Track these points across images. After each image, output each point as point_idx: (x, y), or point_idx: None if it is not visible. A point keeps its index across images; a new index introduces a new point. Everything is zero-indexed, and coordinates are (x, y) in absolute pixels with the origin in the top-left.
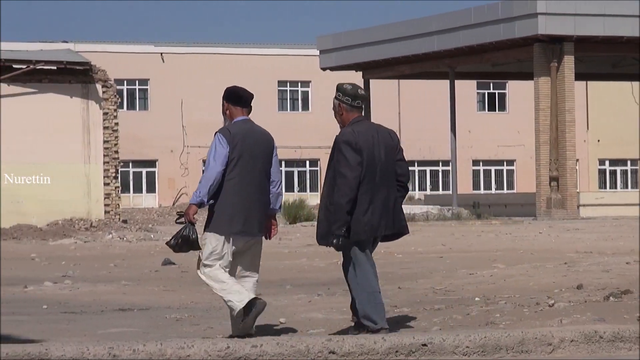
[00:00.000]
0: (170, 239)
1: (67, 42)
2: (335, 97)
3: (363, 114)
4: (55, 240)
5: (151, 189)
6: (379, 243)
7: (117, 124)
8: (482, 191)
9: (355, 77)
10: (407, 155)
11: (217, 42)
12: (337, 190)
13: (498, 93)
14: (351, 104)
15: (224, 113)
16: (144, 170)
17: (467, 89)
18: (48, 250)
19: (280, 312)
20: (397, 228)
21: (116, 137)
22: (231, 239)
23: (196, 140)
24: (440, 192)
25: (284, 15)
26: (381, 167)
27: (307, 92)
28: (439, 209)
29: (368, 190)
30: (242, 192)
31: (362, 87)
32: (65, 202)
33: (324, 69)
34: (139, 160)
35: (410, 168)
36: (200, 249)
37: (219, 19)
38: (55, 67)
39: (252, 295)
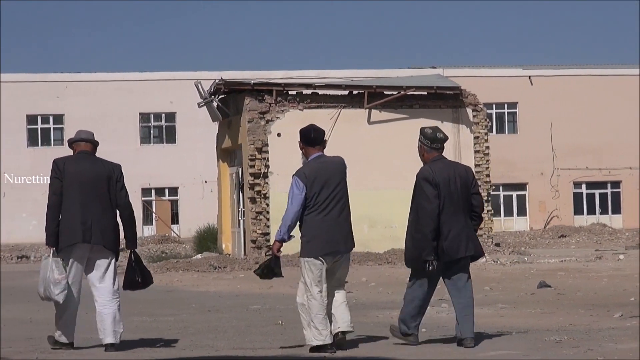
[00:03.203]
0: (257, 269)
1: (435, 67)
2: (419, 140)
3: (442, 154)
4: None
5: (522, 212)
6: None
7: (487, 147)
8: None
9: None
10: None
11: (584, 64)
12: (421, 221)
13: None
14: (430, 146)
15: (301, 152)
16: (514, 194)
17: None
18: None
19: None
20: (476, 251)
21: (487, 160)
22: (321, 260)
23: (566, 162)
24: None
25: None
26: (457, 199)
27: None
28: None
29: (447, 219)
30: (326, 219)
31: (442, 130)
32: None
33: None
34: (509, 184)
35: None
36: (282, 276)
37: (587, 39)
38: (425, 93)
39: (328, 340)
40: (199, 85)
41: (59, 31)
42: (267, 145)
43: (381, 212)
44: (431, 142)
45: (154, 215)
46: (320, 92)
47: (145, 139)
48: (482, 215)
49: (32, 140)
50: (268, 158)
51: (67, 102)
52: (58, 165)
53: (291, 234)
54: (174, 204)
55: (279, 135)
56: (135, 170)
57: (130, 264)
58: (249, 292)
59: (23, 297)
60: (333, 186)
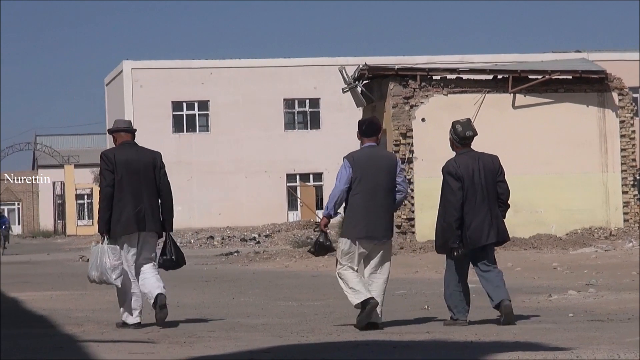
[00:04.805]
0: (310, 247)
1: (580, 51)
2: (450, 132)
3: (471, 146)
4: (575, 249)
5: None
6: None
7: (634, 131)
8: None
9: None
10: None
11: None
12: (446, 212)
13: None
14: (460, 141)
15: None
16: None
17: None
18: (569, 259)
19: None
20: (500, 237)
21: (633, 145)
22: (357, 242)
23: None
24: None
25: None
26: (482, 189)
27: None
28: None
29: (470, 210)
30: (366, 204)
31: (472, 127)
32: (583, 211)
33: None
34: None
35: None
36: (334, 251)
37: None
38: (570, 77)
39: (367, 296)
40: (343, 70)
41: (203, 19)
42: (411, 130)
43: (526, 197)
44: (460, 139)
45: (298, 200)
46: (465, 76)
47: (289, 124)
48: (509, 202)
49: (177, 126)
50: (412, 143)
51: (211, 89)
52: (109, 157)
53: (338, 210)
54: (319, 190)
55: (423, 120)
56: (279, 156)
57: (166, 245)
58: (395, 276)
59: (170, 282)
60: (377, 175)
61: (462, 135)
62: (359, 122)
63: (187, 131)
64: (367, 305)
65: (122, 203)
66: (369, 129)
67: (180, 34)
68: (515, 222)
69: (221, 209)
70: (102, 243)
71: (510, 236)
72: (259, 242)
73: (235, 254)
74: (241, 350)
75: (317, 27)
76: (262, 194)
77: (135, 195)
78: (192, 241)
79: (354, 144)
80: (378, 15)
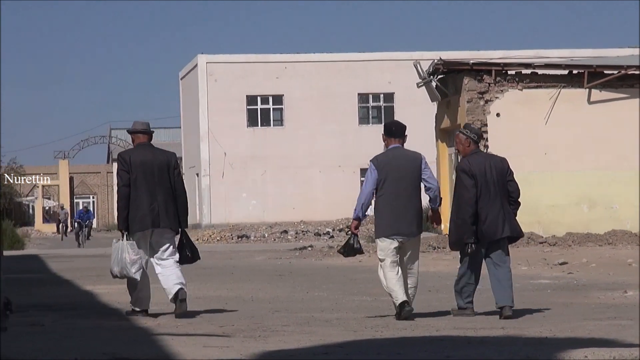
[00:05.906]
0: (340, 248)
1: None
2: (463, 132)
3: (479, 147)
4: None
5: None
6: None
7: None
8: None
9: None
10: None
11: None
12: (461, 209)
13: None
14: (475, 140)
15: (384, 142)
16: None
17: None
18: None
19: None
20: (513, 232)
21: None
22: (390, 239)
23: None
24: None
25: None
26: (494, 186)
27: None
28: None
29: (484, 206)
30: (392, 203)
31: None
32: None
33: None
34: None
35: None
36: (363, 253)
37: None
38: None
39: (404, 299)
40: (418, 65)
41: (278, 13)
42: (486, 125)
43: (601, 193)
44: (477, 137)
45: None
46: (540, 71)
47: (363, 119)
48: (519, 200)
49: (251, 120)
50: (487, 138)
51: (286, 83)
52: (125, 159)
53: (366, 213)
54: None
55: (498, 115)
56: (353, 151)
57: (181, 242)
58: None
59: (244, 277)
60: (402, 175)
61: (478, 132)
62: (386, 124)
63: (261, 125)
64: (402, 310)
65: (138, 202)
66: (397, 130)
67: (255, 28)
68: (591, 218)
69: (295, 204)
70: (122, 240)
71: (586, 232)
72: (332, 237)
73: (309, 249)
74: (315, 345)
75: (392, 22)
76: (336, 188)
77: (149, 194)
78: (266, 235)
79: (430, 139)
80: (453, 10)
